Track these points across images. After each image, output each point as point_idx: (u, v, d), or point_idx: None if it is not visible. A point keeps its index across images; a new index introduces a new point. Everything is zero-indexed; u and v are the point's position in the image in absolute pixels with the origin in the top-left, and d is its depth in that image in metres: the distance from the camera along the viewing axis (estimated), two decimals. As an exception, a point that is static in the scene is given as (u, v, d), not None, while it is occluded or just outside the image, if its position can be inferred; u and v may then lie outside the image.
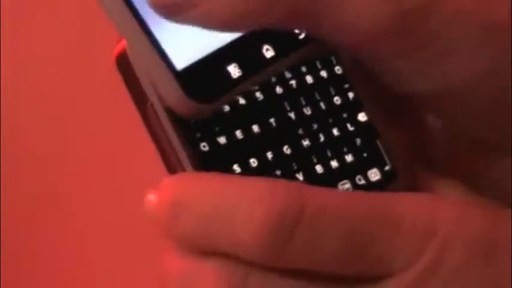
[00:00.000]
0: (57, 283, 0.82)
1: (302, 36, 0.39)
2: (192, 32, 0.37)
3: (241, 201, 0.34)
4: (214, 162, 0.37)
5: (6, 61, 0.80)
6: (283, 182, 0.35)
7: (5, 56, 0.80)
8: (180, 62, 0.37)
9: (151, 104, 0.38)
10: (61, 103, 0.81)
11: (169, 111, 0.37)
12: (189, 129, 0.37)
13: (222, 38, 0.38)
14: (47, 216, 0.82)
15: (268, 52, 0.39)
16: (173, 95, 0.37)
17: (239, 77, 0.38)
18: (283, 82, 0.39)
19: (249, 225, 0.33)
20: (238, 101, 0.38)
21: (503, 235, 0.34)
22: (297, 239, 0.33)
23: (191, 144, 0.37)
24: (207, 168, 0.37)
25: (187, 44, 0.37)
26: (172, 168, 0.38)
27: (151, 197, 0.35)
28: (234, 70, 0.38)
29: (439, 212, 0.35)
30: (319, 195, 0.34)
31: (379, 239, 0.34)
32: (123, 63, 0.38)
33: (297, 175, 0.38)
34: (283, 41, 0.39)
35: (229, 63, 0.38)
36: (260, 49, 0.38)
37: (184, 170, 0.37)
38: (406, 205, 0.35)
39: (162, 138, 0.38)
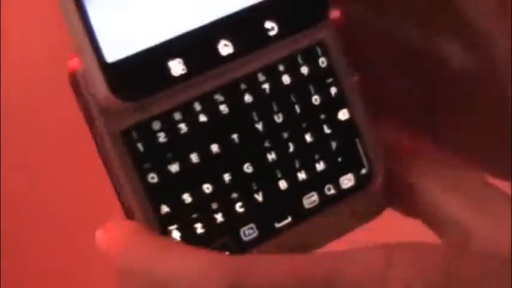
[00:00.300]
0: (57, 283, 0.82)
1: (273, 32, 0.35)
2: (135, 23, 0.34)
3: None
4: (163, 195, 0.35)
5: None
6: (219, 263, 0.33)
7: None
8: (113, 54, 0.33)
9: (99, 131, 0.34)
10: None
11: (116, 140, 0.34)
12: (138, 160, 0.34)
13: (170, 31, 0.34)
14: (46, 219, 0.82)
15: (226, 49, 0.35)
16: (99, 89, 0.33)
17: (181, 75, 0.34)
18: (254, 87, 0.36)
19: None
20: (198, 118, 0.35)
21: (462, 273, 0.33)
22: None
23: (138, 177, 0.34)
24: (154, 201, 0.34)
25: (126, 36, 0.34)
26: (121, 199, 0.35)
27: (101, 241, 0.34)
28: (176, 66, 0.34)
29: (390, 271, 0.32)
30: (258, 274, 0.32)
31: None
32: (76, 82, 0.35)
33: (256, 196, 0.36)
34: (246, 37, 0.35)
35: (171, 58, 0.34)
36: (215, 44, 0.35)
37: (130, 205, 0.35)
38: (355, 267, 0.33)
39: (110, 167, 0.35)
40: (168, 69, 0.34)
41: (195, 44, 0.34)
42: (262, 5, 0.35)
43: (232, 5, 0.35)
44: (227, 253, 0.35)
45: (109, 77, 0.33)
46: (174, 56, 0.34)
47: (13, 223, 0.82)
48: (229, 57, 0.35)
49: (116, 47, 0.34)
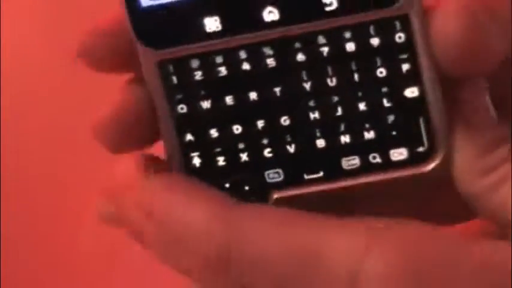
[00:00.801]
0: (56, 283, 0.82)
1: (331, 7, 0.34)
2: None
3: (187, 233, 0.34)
4: (189, 124, 0.36)
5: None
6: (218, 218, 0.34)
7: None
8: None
9: (139, 60, 0.36)
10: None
11: (151, 70, 0.35)
12: (170, 90, 0.36)
13: None
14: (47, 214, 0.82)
15: (270, 15, 0.35)
16: (131, 33, 0.35)
17: (214, 32, 0.35)
18: (310, 48, 0.35)
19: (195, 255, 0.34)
20: (240, 65, 0.35)
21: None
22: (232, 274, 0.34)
23: (168, 106, 0.36)
24: (180, 129, 0.36)
25: None
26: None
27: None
28: (211, 23, 0.35)
29: (366, 264, 0.32)
30: (245, 233, 0.34)
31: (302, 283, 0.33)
32: None
33: (288, 147, 0.36)
34: (298, 7, 0.34)
35: (209, 15, 0.35)
36: (260, 10, 0.35)
37: (161, 132, 0.36)
38: (336, 245, 0.33)
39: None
40: (201, 24, 0.35)
41: (241, 5, 0.35)
42: None
43: None
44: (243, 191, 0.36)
45: (135, 22, 0.35)
46: (213, 13, 0.35)
47: (13, 224, 0.83)
48: (269, 24, 0.35)
49: None
